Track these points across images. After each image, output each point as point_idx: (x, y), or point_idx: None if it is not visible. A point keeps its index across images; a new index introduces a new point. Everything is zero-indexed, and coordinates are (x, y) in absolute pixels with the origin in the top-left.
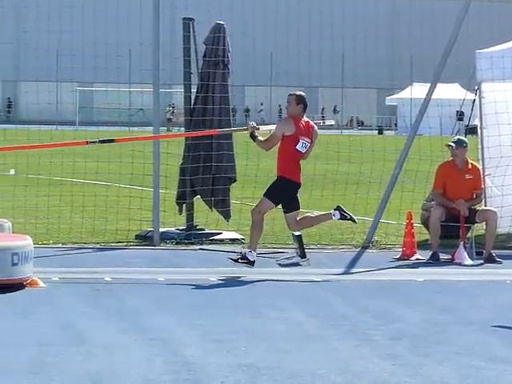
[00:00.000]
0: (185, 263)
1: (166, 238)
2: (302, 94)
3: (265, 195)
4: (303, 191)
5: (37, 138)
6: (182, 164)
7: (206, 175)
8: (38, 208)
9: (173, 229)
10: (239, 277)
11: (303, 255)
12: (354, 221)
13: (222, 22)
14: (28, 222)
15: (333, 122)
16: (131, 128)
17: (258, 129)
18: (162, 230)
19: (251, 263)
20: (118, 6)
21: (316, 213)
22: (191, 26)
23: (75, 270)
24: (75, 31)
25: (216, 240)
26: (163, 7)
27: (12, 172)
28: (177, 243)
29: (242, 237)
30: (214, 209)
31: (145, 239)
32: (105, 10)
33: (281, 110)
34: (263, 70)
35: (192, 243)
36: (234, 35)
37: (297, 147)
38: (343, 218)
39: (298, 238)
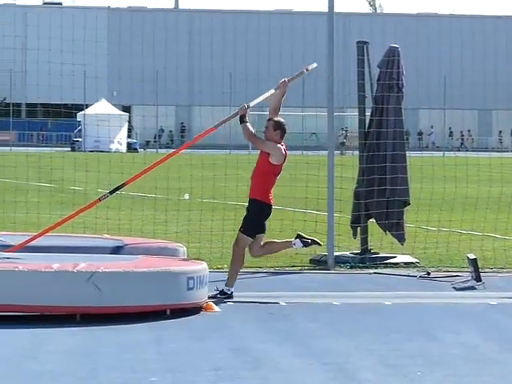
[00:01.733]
0: (359, 287)
1: (340, 261)
2: (281, 120)
3: (243, 232)
4: (478, 213)
5: (211, 162)
6: (356, 188)
7: (380, 198)
8: (213, 232)
9: (347, 252)
10: (414, 301)
11: (478, 279)
12: (317, 243)
13: (396, 46)
14: (203, 246)
15: (315, 65)
16: (304, 152)
17: (249, 106)
18: (336, 253)
19: (230, 296)
20: (292, 31)
21: (277, 240)
22: (365, 49)
23: (250, 294)
24: (249, 56)
25: (391, 263)
26: (337, 30)
27: (186, 197)
28: (351, 267)
29: (417, 260)
30: (388, 232)
31: (319, 263)
32: (280, 34)
33: (451, 132)
34: (437, 93)
35: (366, 267)
36: (407, 58)
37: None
38: (305, 244)
39: (473, 262)
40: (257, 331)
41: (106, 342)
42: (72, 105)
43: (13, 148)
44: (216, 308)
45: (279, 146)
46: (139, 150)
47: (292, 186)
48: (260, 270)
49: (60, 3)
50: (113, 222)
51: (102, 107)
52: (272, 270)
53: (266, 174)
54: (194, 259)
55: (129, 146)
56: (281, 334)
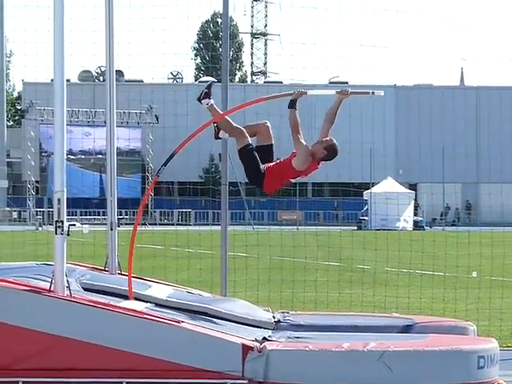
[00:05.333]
0: None
1: None
2: (337, 148)
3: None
4: None
5: (501, 240)
6: None
7: None
8: (503, 310)
9: None
10: None
11: None
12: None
13: None
14: (493, 324)
15: (382, 93)
16: None
17: (306, 93)
18: None
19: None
20: None
21: None
22: None
23: None
24: None
25: None
26: None
27: (474, 274)
28: None
29: None
30: None
31: None
32: None
33: None
34: None
35: None
36: None
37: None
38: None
39: None
40: None
41: None
42: (359, 183)
43: (299, 227)
44: None
45: (310, 157)
46: (425, 227)
47: None
48: None
49: (346, 82)
50: (402, 300)
51: (388, 185)
52: None
53: (283, 169)
54: (484, 337)
55: (415, 223)
56: None
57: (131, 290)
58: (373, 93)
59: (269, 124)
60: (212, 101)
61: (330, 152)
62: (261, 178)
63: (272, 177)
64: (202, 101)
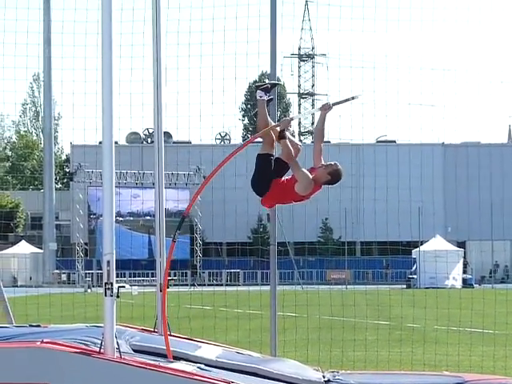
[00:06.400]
0: None
1: None
2: (342, 174)
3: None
4: None
5: None
6: None
7: None
8: None
9: None
10: None
11: None
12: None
13: None
14: None
15: (361, 95)
16: None
17: (292, 119)
18: None
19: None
20: None
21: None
22: None
23: None
24: None
25: None
26: None
27: None
28: None
29: None
30: None
31: None
32: None
33: None
34: None
35: None
36: None
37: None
38: (266, 90)
39: None
40: None
41: None
42: (407, 242)
43: (348, 286)
44: None
45: (311, 182)
46: (474, 285)
47: None
48: None
49: (394, 141)
50: (452, 358)
51: (436, 243)
52: None
53: (286, 190)
54: None
55: (464, 281)
56: None
57: (169, 348)
58: (353, 98)
59: (301, 149)
60: (266, 97)
61: (335, 177)
62: (265, 189)
63: (275, 193)
64: (258, 91)
